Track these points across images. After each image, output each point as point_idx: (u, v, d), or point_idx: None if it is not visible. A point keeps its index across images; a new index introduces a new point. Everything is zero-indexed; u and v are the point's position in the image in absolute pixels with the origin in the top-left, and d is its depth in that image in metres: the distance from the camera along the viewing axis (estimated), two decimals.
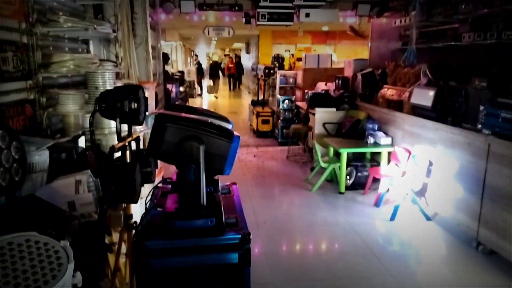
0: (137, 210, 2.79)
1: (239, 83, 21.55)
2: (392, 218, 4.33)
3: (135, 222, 2.41)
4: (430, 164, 4.28)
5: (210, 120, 1.79)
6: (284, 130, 8.05)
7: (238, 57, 22.19)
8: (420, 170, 4.33)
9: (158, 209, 1.95)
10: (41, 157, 1.87)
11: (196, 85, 17.32)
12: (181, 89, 10.97)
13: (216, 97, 16.93)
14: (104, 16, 4.23)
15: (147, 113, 2.50)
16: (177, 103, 8.75)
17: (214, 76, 17.67)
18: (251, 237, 1.75)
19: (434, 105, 4.37)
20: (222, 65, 26.14)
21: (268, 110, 9.17)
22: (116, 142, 2.23)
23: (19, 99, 2.63)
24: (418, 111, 4.71)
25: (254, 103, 10.03)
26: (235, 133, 1.74)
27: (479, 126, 3.62)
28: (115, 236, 2.60)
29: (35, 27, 2.81)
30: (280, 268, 3.42)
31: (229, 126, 1.84)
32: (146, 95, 2.44)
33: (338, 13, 6.89)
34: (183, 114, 1.79)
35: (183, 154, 1.63)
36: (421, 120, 4.53)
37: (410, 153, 4.66)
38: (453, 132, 3.97)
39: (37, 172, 1.86)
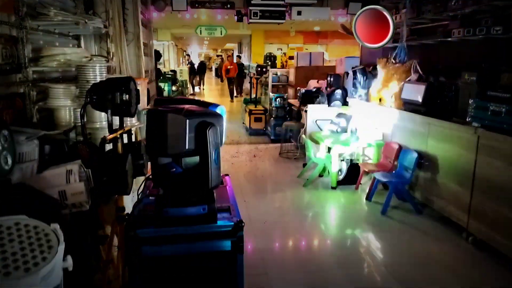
0: (129, 203, 2.77)
1: (240, 89, 17.24)
2: (384, 211, 4.36)
3: (127, 214, 2.40)
4: (421, 158, 4.32)
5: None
6: (277, 128, 8.07)
7: (239, 57, 17.83)
8: (410, 163, 4.36)
9: (150, 197, 1.94)
10: (30, 147, 1.86)
11: (189, 85, 17.29)
12: (174, 88, 10.94)
13: (202, 89, 20.32)
14: (95, 12, 4.21)
15: (138, 107, 2.50)
16: None
17: (201, 73, 20.17)
18: (244, 224, 1.76)
19: (425, 100, 4.41)
20: (215, 65, 27.01)
21: (261, 108, 9.18)
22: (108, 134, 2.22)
23: (9, 92, 2.61)
24: (408, 106, 4.75)
25: (246, 101, 10.04)
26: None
27: (469, 119, 3.67)
28: (108, 229, 2.59)
29: (24, 20, 2.79)
30: (273, 260, 3.42)
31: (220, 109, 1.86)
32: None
33: (330, 12, 6.94)
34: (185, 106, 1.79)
35: (202, 143, 1.62)
36: (412, 115, 4.58)
37: (400, 147, 4.70)
38: (443, 126, 4.02)
39: (27, 162, 1.85)
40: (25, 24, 2.79)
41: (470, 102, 3.66)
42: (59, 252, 1.13)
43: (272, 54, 10.42)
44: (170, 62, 16.36)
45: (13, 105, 2.62)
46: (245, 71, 15.82)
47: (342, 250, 3.64)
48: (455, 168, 3.86)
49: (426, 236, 3.89)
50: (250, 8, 6.54)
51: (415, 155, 4.34)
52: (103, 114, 2.66)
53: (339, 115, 5.84)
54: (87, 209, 1.86)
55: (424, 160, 4.31)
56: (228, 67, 16.14)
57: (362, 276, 3.25)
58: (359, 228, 4.05)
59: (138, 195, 2.21)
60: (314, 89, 6.99)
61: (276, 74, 9.04)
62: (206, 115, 1.68)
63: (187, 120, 1.59)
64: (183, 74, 15.17)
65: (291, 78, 8.74)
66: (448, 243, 3.72)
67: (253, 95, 10.04)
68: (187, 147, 1.62)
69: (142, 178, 2.32)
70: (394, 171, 4.65)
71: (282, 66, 10.15)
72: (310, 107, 6.46)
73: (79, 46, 4.02)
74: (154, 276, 1.70)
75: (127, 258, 1.73)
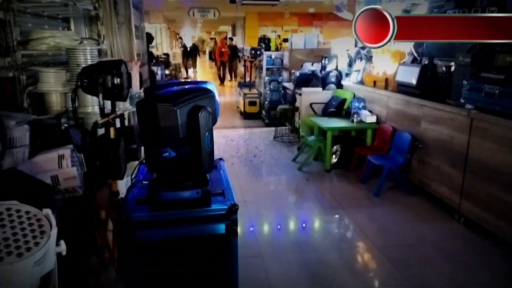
0: (123, 188, 2.77)
1: (234, 73, 16.77)
2: (377, 193, 4.40)
3: (121, 198, 2.40)
4: (414, 140, 4.33)
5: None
6: (271, 111, 8.04)
7: (231, 39, 17.41)
8: (404, 146, 4.38)
9: (144, 182, 1.94)
10: (21, 132, 1.83)
11: (182, 68, 17.09)
12: (167, 71, 10.81)
13: (194, 71, 20.26)
14: None
15: (131, 91, 2.47)
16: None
17: (193, 56, 20.21)
18: (238, 207, 1.76)
19: (419, 83, 4.40)
20: (209, 49, 27.47)
21: (255, 91, 9.12)
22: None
23: None
24: (403, 88, 4.75)
25: (241, 85, 9.97)
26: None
27: (462, 101, 3.67)
28: (102, 214, 2.59)
29: (12, 2, 2.72)
30: (268, 242, 3.47)
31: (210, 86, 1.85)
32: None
33: None
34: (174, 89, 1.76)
35: (194, 127, 1.60)
36: (406, 98, 4.58)
37: (394, 130, 4.71)
38: (437, 108, 4.03)
39: (18, 147, 1.82)
40: (12, 6, 2.71)
41: (464, 84, 3.66)
42: (52, 237, 1.13)
43: (266, 37, 10.27)
44: (163, 45, 16.11)
45: (3, 89, 2.57)
46: (239, 54, 15.60)
47: (336, 232, 3.69)
48: (448, 150, 3.88)
49: (419, 217, 3.94)
50: None
51: (408, 137, 4.35)
52: (95, 98, 2.62)
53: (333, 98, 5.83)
54: (81, 194, 1.85)
55: (418, 143, 4.33)
56: (222, 49, 15.84)
57: (356, 257, 3.31)
58: (353, 210, 4.09)
59: (131, 180, 2.21)
60: (309, 72, 6.94)
61: (271, 57, 8.94)
62: (196, 96, 1.66)
63: (178, 110, 1.57)
64: (176, 57, 14.97)
65: (286, 61, 8.66)
66: (441, 224, 3.77)
67: (248, 79, 9.96)
68: (180, 136, 1.60)
69: (135, 163, 2.31)
70: (387, 154, 4.68)
71: (277, 49, 10.00)
72: (305, 91, 6.43)
73: (69, 29, 3.93)
74: (148, 260, 1.71)
75: (122, 242, 1.74)
